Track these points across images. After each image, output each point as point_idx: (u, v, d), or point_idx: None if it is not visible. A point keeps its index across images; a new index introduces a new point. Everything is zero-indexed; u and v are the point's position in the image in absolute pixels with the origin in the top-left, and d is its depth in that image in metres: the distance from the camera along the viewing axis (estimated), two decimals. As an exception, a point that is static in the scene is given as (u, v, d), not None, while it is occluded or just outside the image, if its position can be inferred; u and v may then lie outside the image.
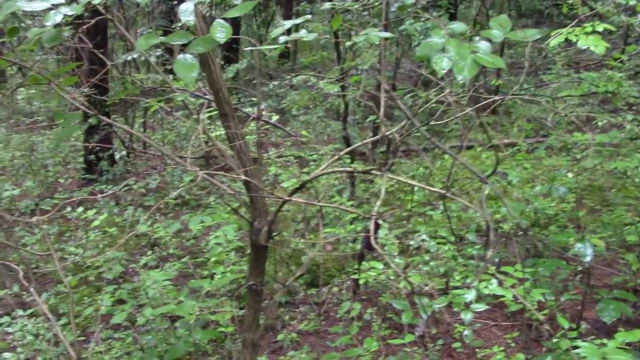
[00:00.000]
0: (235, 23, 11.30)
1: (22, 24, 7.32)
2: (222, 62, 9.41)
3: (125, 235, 6.25)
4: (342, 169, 4.02)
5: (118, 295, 4.61)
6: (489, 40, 1.68)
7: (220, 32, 1.42)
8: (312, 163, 5.93)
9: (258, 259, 2.46)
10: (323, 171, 2.24)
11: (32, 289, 2.86)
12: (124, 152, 9.03)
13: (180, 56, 1.45)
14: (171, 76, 4.60)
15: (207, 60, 2.09)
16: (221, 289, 4.35)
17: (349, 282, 4.78)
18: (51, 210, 6.49)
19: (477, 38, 1.67)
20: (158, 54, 7.47)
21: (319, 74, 9.64)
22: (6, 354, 4.07)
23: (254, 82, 9.49)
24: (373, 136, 6.81)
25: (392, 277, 3.59)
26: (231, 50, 12.35)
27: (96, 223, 5.07)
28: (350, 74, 5.95)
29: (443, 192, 2.31)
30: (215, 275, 4.37)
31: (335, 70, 6.66)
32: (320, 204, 3.24)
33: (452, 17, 8.96)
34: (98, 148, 8.15)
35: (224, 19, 1.48)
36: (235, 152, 2.07)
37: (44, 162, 8.54)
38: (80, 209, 6.46)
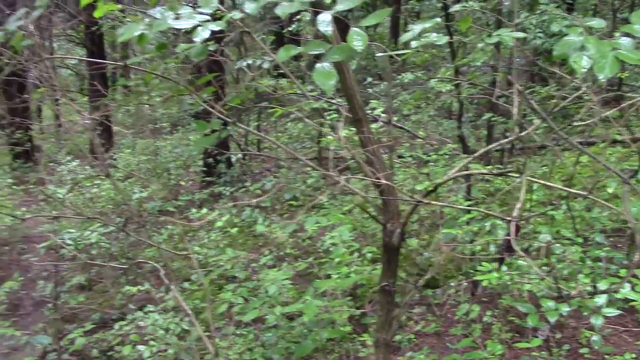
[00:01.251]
0: (345, 26, 11.38)
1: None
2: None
3: (245, 236, 6.51)
4: (477, 171, 3.94)
5: (239, 293, 4.79)
6: (631, 36, 1.59)
7: (357, 40, 1.45)
8: (431, 164, 5.87)
9: (390, 261, 2.49)
10: (457, 173, 2.22)
11: (173, 287, 3.03)
12: (239, 155, 9.36)
13: (319, 64, 1.49)
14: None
15: (341, 67, 2.13)
16: (339, 289, 4.40)
17: (465, 284, 4.70)
18: (175, 211, 6.89)
19: (617, 34, 1.59)
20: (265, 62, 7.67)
21: (429, 72, 9.54)
22: (140, 347, 4.34)
23: (365, 82, 9.53)
24: (488, 135, 6.65)
25: (515, 279, 3.49)
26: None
27: (219, 224, 5.28)
28: (462, 71, 5.85)
29: (584, 193, 2.21)
30: (333, 276, 4.42)
31: (447, 68, 6.58)
32: (455, 206, 3.21)
33: (570, 8, 8.56)
34: (216, 151, 8.53)
35: (359, 27, 1.51)
36: (369, 156, 2.10)
37: (167, 166, 9.03)
38: (204, 210, 6.81)
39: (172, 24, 1.56)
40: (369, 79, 9.46)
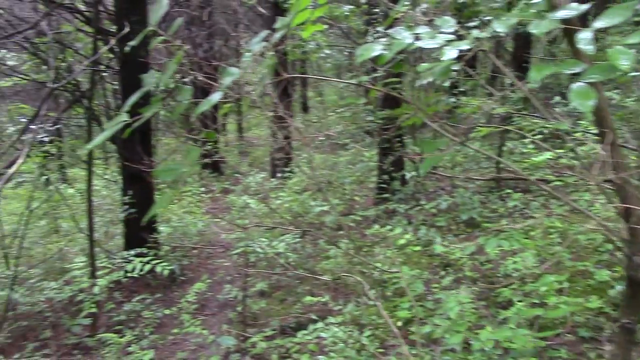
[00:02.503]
0: (527, 40, 10.96)
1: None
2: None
3: (420, 254, 6.44)
4: None
5: (414, 312, 4.72)
6: None
7: (624, 59, 1.32)
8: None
9: (635, 296, 2.29)
10: None
11: (379, 303, 3.05)
12: (414, 173, 9.30)
13: (577, 84, 1.39)
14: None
15: (595, 86, 1.99)
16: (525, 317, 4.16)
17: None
18: (354, 226, 6.99)
19: None
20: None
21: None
22: (320, 357, 4.42)
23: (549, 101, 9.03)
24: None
25: None
26: (521, 69, 11.99)
27: (402, 242, 5.25)
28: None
29: None
30: (518, 303, 4.20)
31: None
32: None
33: None
34: (392, 168, 8.56)
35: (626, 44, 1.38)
36: (620, 182, 1.94)
37: (342, 181, 9.23)
38: (376, 226, 6.84)
39: (417, 44, 1.55)
40: (556, 98, 8.96)
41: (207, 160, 12.76)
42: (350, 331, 4.59)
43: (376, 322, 5.09)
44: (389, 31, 1.61)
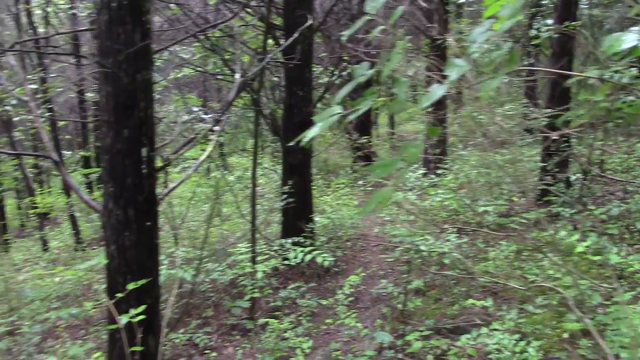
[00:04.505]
0: None
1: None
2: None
3: (589, 263, 6.00)
4: None
5: (585, 324, 4.39)
6: None
7: None
8: None
9: None
10: None
11: (587, 321, 2.85)
12: (580, 175, 8.72)
13: None
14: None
15: None
16: None
17: None
18: (517, 229, 6.67)
19: None
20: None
21: None
22: (480, 363, 4.25)
23: None
24: None
25: None
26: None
27: (579, 249, 4.89)
28: None
29: None
30: None
31: None
32: None
33: None
34: (556, 169, 8.07)
35: None
36: None
37: (499, 181, 8.84)
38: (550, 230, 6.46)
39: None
40: None
41: (359, 152, 12.88)
42: (515, 340, 4.36)
43: (541, 331, 4.81)
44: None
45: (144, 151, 3.80)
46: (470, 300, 4.95)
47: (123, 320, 2.91)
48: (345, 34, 1.71)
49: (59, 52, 9.78)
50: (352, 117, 1.53)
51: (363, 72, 1.60)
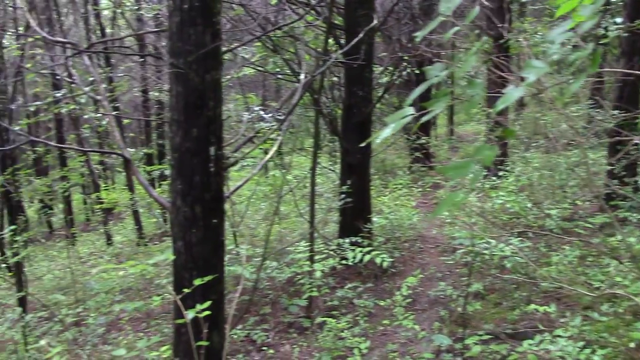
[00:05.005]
0: None
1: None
2: None
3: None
4: None
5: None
6: None
7: None
8: None
9: None
10: None
11: None
12: (648, 180, 8.41)
13: None
14: None
15: None
16: None
17: None
18: (582, 233, 6.49)
19: None
20: None
21: None
22: (542, 369, 4.16)
23: None
24: None
25: None
26: None
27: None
28: None
29: None
30: None
31: None
32: None
33: None
34: (623, 173, 7.82)
35: None
36: None
37: (563, 183, 8.62)
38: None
39: None
40: None
41: (418, 153, 12.78)
42: (579, 347, 4.25)
43: (606, 340, 4.67)
44: None
45: (212, 150, 3.89)
46: (532, 306, 4.84)
47: (190, 315, 2.99)
48: (419, 34, 1.71)
49: (131, 53, 10.08)
50: (425, 118, 1.54)
51: (437, 72, 1.60)
